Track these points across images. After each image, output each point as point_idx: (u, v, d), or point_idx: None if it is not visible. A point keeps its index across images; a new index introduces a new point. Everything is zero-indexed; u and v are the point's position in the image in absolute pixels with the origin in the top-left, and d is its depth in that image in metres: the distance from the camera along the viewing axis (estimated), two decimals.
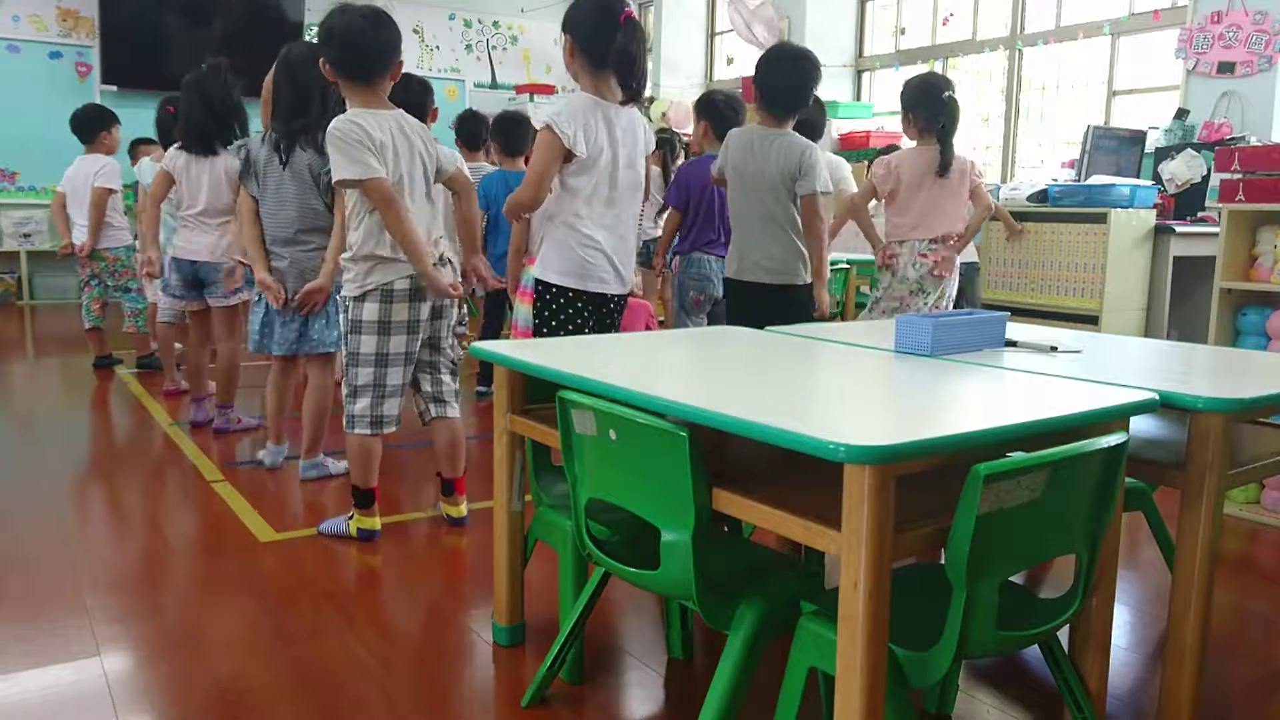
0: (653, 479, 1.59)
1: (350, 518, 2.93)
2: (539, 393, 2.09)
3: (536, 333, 2.94)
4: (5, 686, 2.04)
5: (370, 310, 2.73)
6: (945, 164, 3.73)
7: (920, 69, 7.38)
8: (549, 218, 2.90)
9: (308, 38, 9.13)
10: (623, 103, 2.81)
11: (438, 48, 9.89)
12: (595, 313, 2.91)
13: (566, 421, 1.74)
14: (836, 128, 7.10)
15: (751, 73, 3.42)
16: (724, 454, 1.81)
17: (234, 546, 2.87)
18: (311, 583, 2.63)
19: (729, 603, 1.63)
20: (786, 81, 3.31)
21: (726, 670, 1.61)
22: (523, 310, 3.93)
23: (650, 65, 9.89)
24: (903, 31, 7.64)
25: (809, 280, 3.36)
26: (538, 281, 2.92)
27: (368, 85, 2.71)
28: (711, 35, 9.44)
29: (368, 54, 2.68)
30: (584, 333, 2.88)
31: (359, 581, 2.67)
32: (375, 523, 2.93)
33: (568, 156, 2.72)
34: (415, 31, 9.77)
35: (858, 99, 7.92)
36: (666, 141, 5.61)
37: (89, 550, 2.82)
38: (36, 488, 3.42)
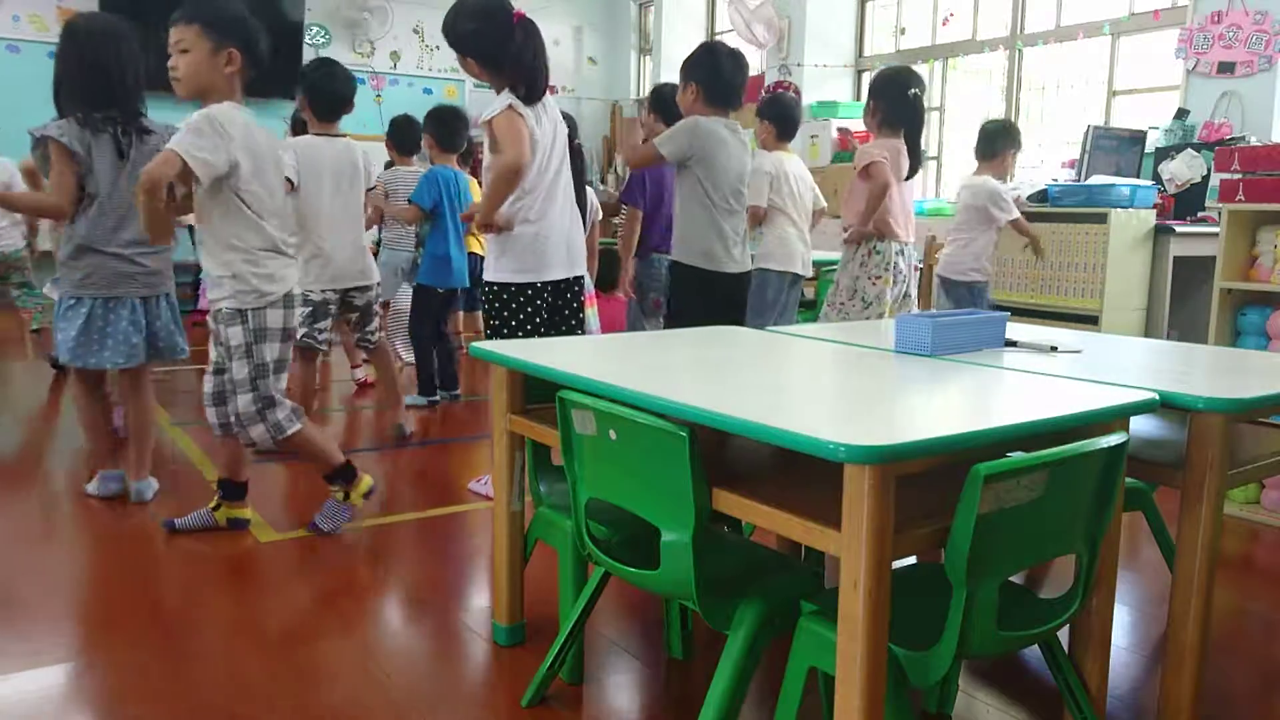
0: (653, 479, 1.59)
1: (215, 508, 2.96)
2: (539, 393, 2.09)
3: (495, 334, 2.94)
4: (4, 686, 2.04)
5: (275, 317, 2.72)
6: (914, 167, 3.73)
7: (920, 69, 7.39)
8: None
9: (308, 39, 9.14)
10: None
11: (438, 48, 9.87)
12: (550, 303, 2.95)
13: (566, 421, 1.74)
14: (836, 127, 7.10)
15: (741, 73, 3.36)
16: (724, 454, 1.81)
17: (234, 546, 2.87)
18: (311, 583, 2.63)
19: (729, 603, 1.63)
20: (730, 77, 3.28)
21: (726, 670, 1.61)
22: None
23: (650, 65, 9.91)
24: (903, 31, 7.64)
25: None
26: (488, 284, 2.94)
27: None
28: (711, 35, 9.44)
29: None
30: (541, 327, 2.93)
31: (359, 581, 2.66)
32: (247, 512, 2.99)
33: None
34: (415, 31, 9.76)
35: (858, 99, 7.91)
36: None
37: (89, 550, 2.82)
38: (36, 488, 3.42)
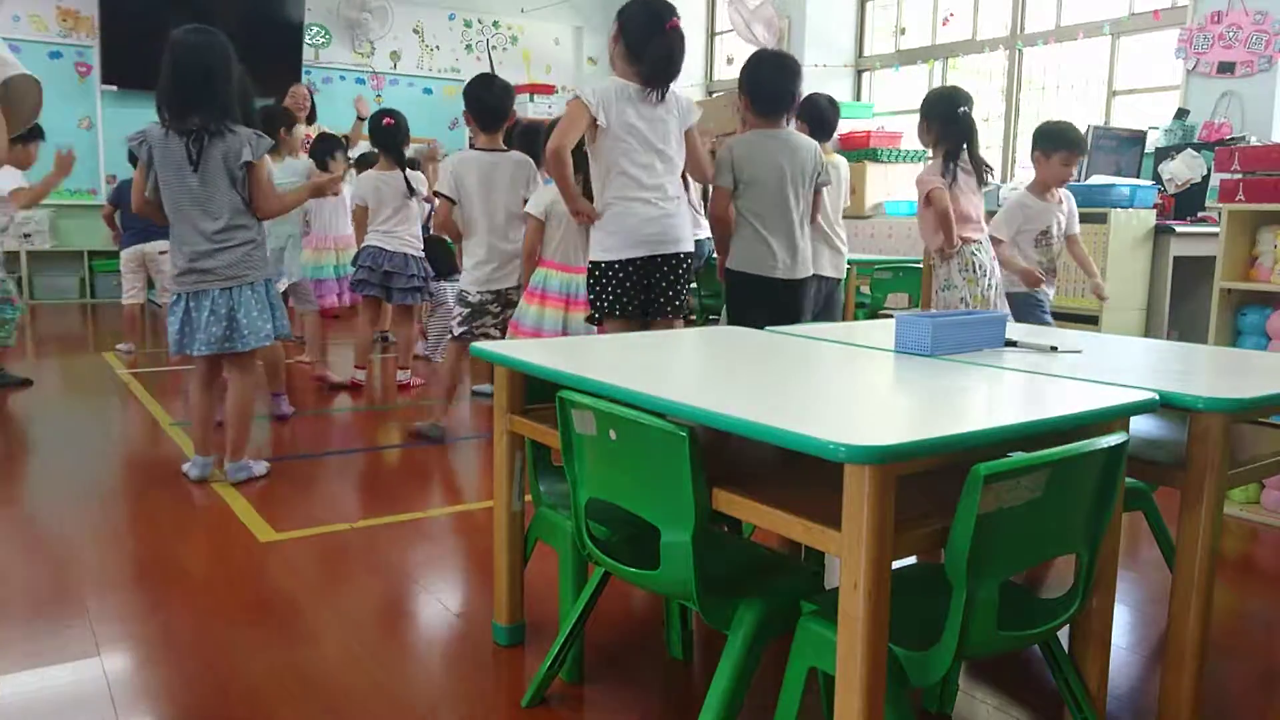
0: (653, 479, 1.59)
1: None
2: (539, 393, 2.09)
3: (594, 310, 3.21)
4: (5, 686, 2.04)
5: None
6: (980, 177, 3.81)
7: (920, 69, 7.39)
8: (598, 206, 3.18)
9: (308, 39, 9.14)
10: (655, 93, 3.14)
11: (438, 48, 9.89)
12: (638, 280, 3.17)
13: (566, 421, 1.74)
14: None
15: (786, 80, 3.46)
16: (724, 454, 1.81)
17: (234, 546, 2.87)
18: (311, 583, 2.62)
19: (729, 603, 1.63)
20: (771, 86, 3.41)
21: (726, 670, 1.61)
22: (530, 312, 3.95)
23: None
24: (903, 31, 7.64)
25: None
26: (592, 264, 3.18)
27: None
28: (711, 35, 9.44)
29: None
30: (639, 300, 3.17)
31: (359, 581, 2.66)
32: None
33: (593, 128, 3.06)
34: (415, 31, 9.77)
35: (858, 99, 7.92)
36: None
37: (89, 550, 2.82)
38: (37, 488, 3.42)
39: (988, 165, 3.88)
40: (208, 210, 3.22)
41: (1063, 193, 4.04)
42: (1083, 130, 5.04)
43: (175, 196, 3.22)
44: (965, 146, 3.78)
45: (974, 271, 3.83)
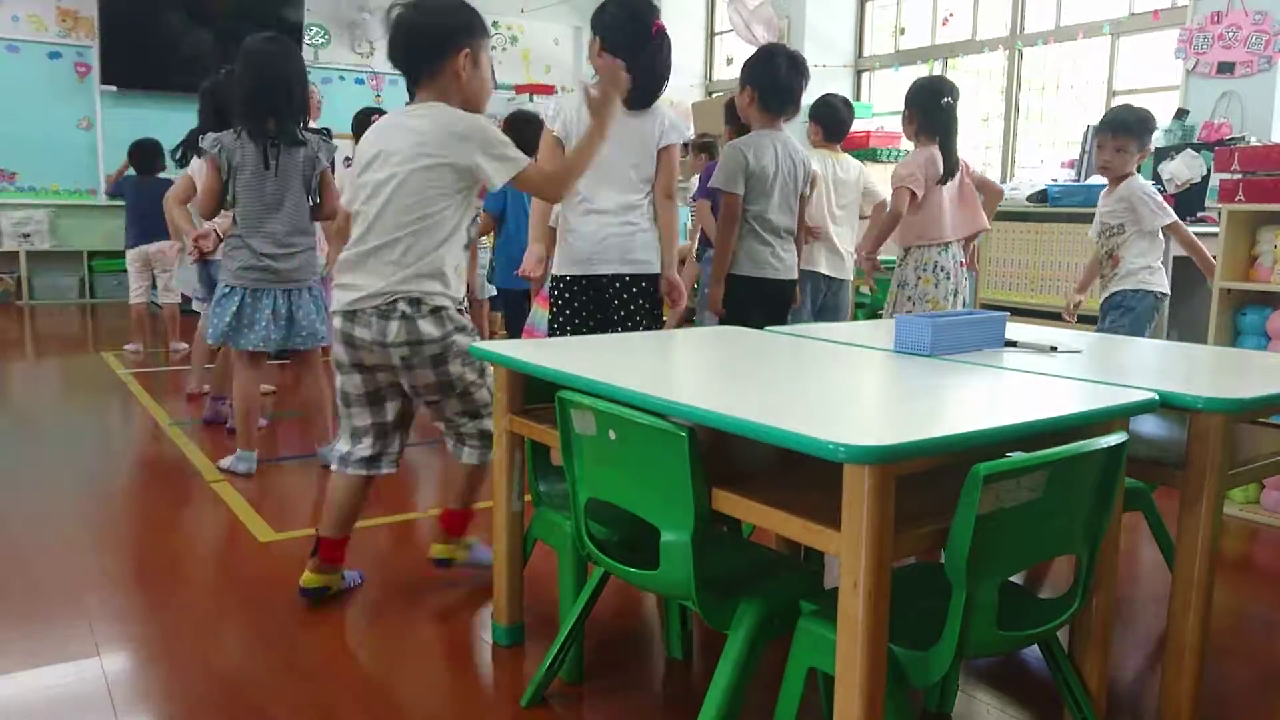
0: (653, 479, 1.59)
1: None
2: (539, 393, 2.09)
3: (550, 325, 3.04)
4: (5, 686, 2.04)
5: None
6: (949, 170, 3.74)
7: (920, 69, 7.39)
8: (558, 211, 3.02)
9: (307, 39, 9.14)
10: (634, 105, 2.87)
11: None
12: (616, 295, 2.95)
13: (566, 421, 1.74)
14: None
15: (799, 78, 3.42)
16: (724, 454, 1.81)
17: (234, 546, 2.86)
18: None
19: (729, 603, 1.63)
20: (786, 82, 3.37)
21: (726, 670, 1.61)
22: (539, 314, 3.95)
23: None
24: (902, 31, 7.64)
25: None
26: (552, 278, 3.04)
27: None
28: (711, 35, 9.44)
29: None
30: (582, 317, 2.97)
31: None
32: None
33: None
34: None
35: (857, 99, 7.91)
36: (710, 145, 5.58)
37: (89, 550, 2.82)
38: (37, 488, 3.42)
39: (957, 161, 3.78)
40: (279, 214, 3.37)
41: (1128, 187, 3.61)
42: (1082, 131, 5.05)
43: (248, 200, 3.35)
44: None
45: (931, 272, 3.78)
